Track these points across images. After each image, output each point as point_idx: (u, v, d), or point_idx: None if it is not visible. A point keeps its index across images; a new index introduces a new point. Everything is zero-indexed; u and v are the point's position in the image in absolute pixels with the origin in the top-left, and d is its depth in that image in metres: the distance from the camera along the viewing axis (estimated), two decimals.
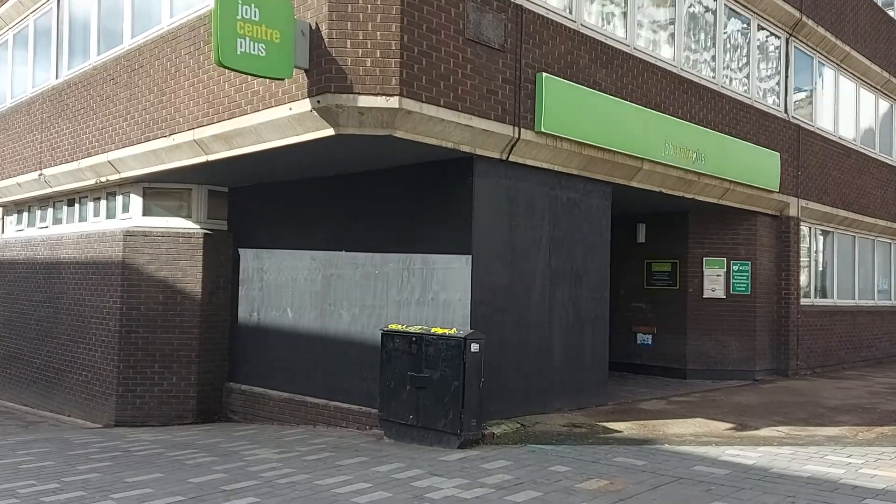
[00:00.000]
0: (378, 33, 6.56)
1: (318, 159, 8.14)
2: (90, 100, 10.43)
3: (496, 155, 7.72)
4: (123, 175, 9.99)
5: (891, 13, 16.32)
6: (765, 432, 7.73)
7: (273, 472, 6.25)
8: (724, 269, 12.05)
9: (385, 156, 7.79)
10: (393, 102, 6.55)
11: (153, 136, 9.00)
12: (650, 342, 12.54)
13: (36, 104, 12.00)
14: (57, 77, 11.62)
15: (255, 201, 10.26)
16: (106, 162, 10.02)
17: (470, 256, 7.58)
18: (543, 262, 8.41)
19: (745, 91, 11.58)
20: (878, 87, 15.65)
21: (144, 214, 10.43)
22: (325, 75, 6.58)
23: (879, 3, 15.74)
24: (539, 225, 8.35)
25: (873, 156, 15.51)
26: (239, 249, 10.48)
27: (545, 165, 8.27)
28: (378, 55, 6.56)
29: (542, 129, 7.86)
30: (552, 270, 8.51)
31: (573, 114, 8.23)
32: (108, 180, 10.38)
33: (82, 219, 11.67)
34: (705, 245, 12.14)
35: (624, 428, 7.82)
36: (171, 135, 8.67)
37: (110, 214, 10.98)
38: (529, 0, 7.87)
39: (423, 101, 6.75)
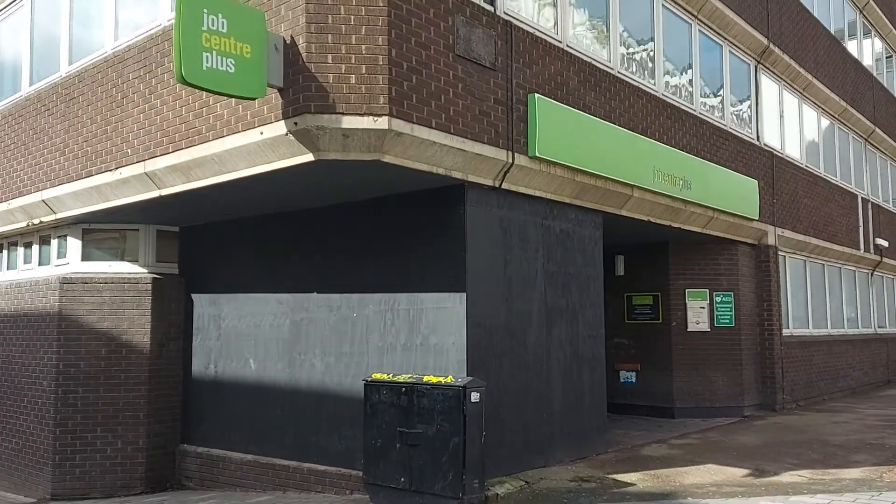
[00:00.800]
0: (363, 46, 5.84)
1: (288, 190, 7.30)
2: (22, 134, 9.35)
3: (489, 182, 7.04)
4: (60, 216, 8.91)
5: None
6: (786, 478, 7.12)
7: None
8: (708, 301, 11.60)
9: (366, 185, 7.02)
10: (382, 123, 5.81)
11: (96, 170, 8.00)
12: (634, 380, 11.94)
13: None
14: None
15: (210, 241, 9.28)
16: (40, 201, 8.92)
17: (464, 294, 6.82)
18: (539, 299, 7.71)
19: (720, 118, 11.30)
20: (837, 116, 15.76)
21: (84, 259, 9.31)
22: (303, 94, 5.80)
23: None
24: (533, 258, 7.67)
25: (837, 183, 15.53)
26: (192, 295, 9.44)
27: (538, 193, 7.63)
28: (364, 71, 5.82)
29: (537, 154, 7.23)
30: (548, 307, 7.81)
31: (566, 138, 7.65)
32: (41, 222, 9.26)
33: (11, 266, 10.43)
34: (686, 276, 11.69)
35: (636, 480, 7.10)
36: (117, 168, 7.70)
37: (44, 260, 9.81)
38: (518, 18, 7.30)
39: (413, 122, 6.03)
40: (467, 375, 6.63)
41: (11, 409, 9.69)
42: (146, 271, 9.35)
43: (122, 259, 9.38)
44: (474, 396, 6.29)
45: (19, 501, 8.97)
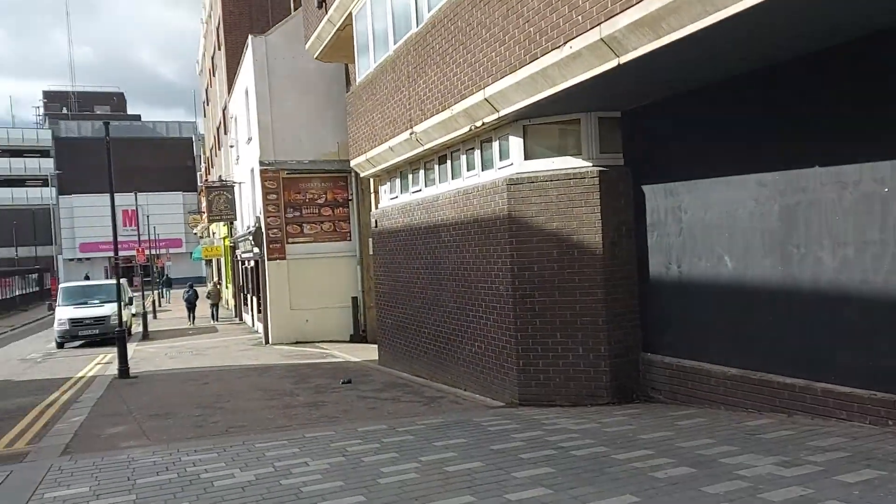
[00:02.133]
0: None
1: (792, 23, 5.49)
2: (458, 33, 9.10)
3: None
4: (501, 113, 8.46)
5: None
6: None
7: None
8: None
9: None
10: None
11: (541, 51, 7.19)
12: None
13: (400, 59, 11.25)
14: (418, 23, 10.63)
15: (659, 123, 7.96)
16: (482, 101, 8.59)
17: None
18: None
19: None
20: None
21: (527, 158, 8.83)
22: None
23: None
24: None
25: None
26: (642, 187, 8.31)
27: None
28: None
29: None
30: None
31: None
32: (483, 124, 8.98)
33: (456, 175, 10.61)
34: None
35: None
36: (565, 42, 6.75)
37: (487, 164, 9.65)
38: None
39: None
40: None
41: (471, 313, 9.93)
42: (590, 164, 8.48)
43: (565, 154, 8.65)
44: None
45: (490, 405, 9.12)
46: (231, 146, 26.36)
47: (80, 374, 15.66)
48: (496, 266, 9.12)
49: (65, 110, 72.50)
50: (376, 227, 14.08)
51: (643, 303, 8.40)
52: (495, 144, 9.34)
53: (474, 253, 9.74)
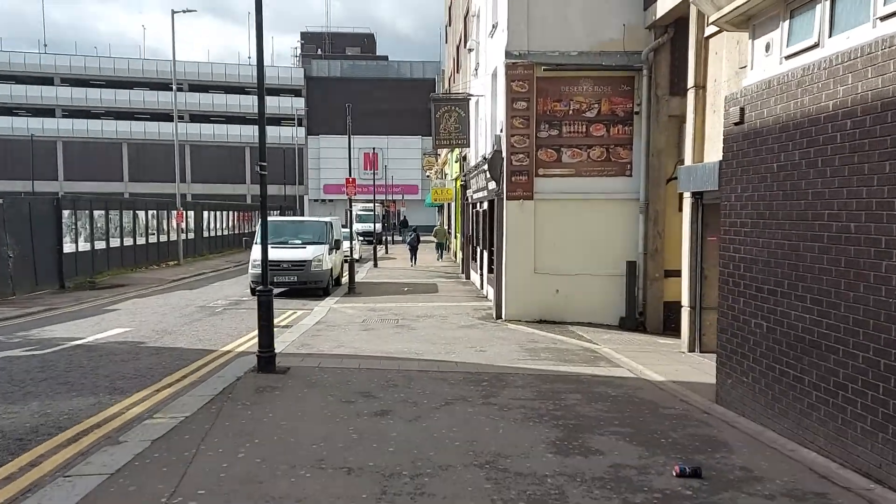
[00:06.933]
0: None
1: None
2: None
3: None
4: None
5: None
6: None
7: None
8: None
9: None
10: None
11: None
12: None
13: None
14: None
15: None
16: None
17: None
18: None
19: None
20: None
21: None
22: None
23: None
24: None
25: None
26: None
27: None
28: None
29: None
30: None
31: None
32: None
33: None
34: None
35: None
36: None
37: None
38: None
39: None
40: None
41: None
42: None
43: None
44: None
45: None
46: (470, 50, 20.18)
47: (225, 348, 10.53)
48: None
49: (319, 52, 72.62)
50: (739, 123, 6.78)
51: None
52: None
53: None
